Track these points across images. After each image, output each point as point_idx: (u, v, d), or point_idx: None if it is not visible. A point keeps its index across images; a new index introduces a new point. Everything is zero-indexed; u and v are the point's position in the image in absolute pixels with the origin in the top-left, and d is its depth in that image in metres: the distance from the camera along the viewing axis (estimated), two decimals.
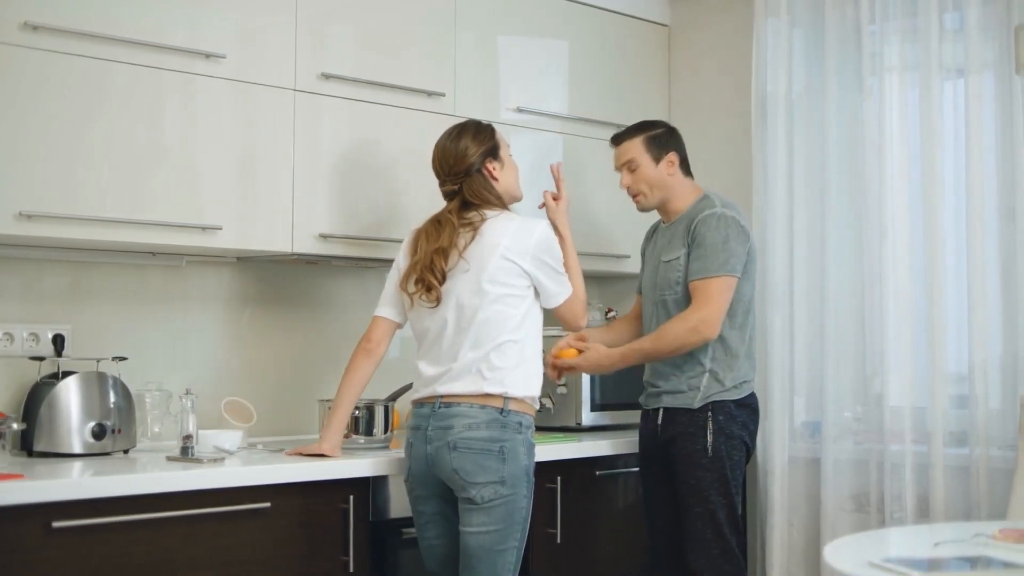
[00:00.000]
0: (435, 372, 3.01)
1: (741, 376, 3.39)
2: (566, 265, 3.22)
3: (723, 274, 3.31)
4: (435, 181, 3.72)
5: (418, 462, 2.99)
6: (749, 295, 3.42)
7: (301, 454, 3.10)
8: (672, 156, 3.47)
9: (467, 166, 3.08)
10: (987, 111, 3.51)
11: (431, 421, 2.97)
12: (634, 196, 3.50)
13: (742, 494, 3.51)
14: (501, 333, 2.98)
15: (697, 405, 3.34)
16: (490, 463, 2.94)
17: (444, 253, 3.01)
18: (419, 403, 3.04)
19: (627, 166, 3.49)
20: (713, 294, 3.30)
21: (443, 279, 3.01)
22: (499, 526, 2.94)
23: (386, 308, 3.17)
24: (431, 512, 3.03)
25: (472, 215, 3.05)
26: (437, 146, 3.15)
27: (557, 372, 3.45)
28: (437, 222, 3.08)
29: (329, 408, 3.21)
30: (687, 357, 3.36)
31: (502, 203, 3.11)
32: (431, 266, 3.01)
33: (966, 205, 3.53)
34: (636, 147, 3.47)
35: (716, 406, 3.34)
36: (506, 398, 2.97)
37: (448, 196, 3.12)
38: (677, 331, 3.31)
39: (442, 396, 2.98)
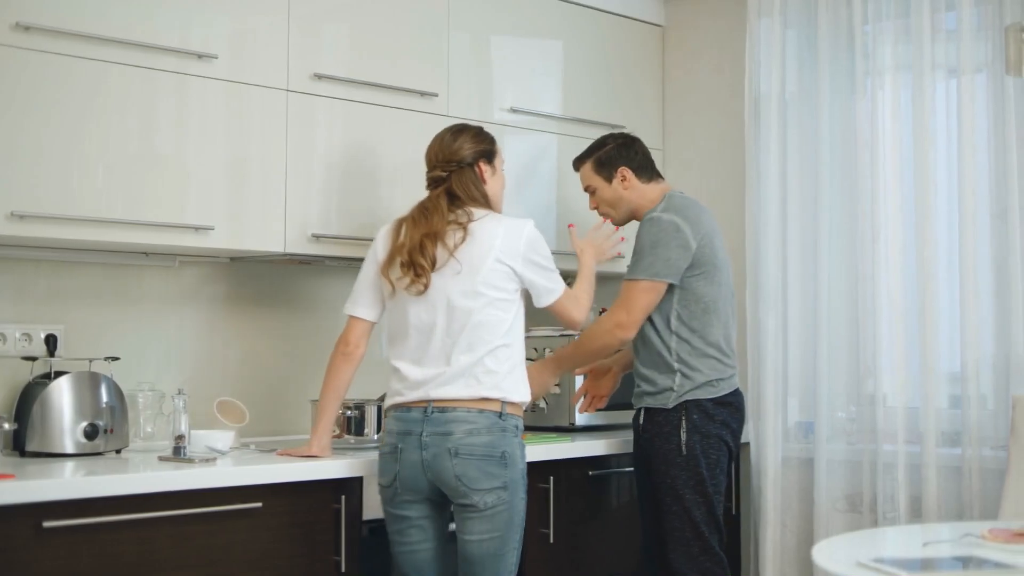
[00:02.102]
0: (424, 375, 2.95)
1: (715, 375, 3.38)
2: (580, 284, 3.25)
3: (644, 278, 3.33)
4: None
5: (410, 468, 2.93)
6: (711, 295, 3.38)
7: (292, 455, 3.10)
8: (623, 171, 3.50)
9: (460, 158, 3.06)
10: (979, 111, 3.52)
11: (425, 426, 2.91)
12: (603, 216, 3.58)
13: (728, 493, 3.52)
14: (495, 337, 2.96)
15: (672, 405, 3.36)
16: (492, 469, 2.91)
17: (435, 238, 2.97)
18: (405, 407, 2.97)
19: (588, 190, 3.58)
20: (632, 297, 3.34)
21: (433, 265, 2.97)
22: (501, 532, 2.92)
23: (362, 307, 3.10)
24: (416, 516, 2.97)
25: (459, 213, 3.02)
26: (436, 137, 3.13)
27: None
28: (423, 208, 3.03)
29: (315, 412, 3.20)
30: (657, 359, 3.39)
31: (487, 203, 3.08)
32: (421, 249, 2.96)
33: (958, 205, 3.53)
34: (588, 172, 3.56)
35: (691, 405, 3.35)
36: (504, 402, 2.95)
37: (433, 183, 3.08)
38: (596, 332, 3.40)
39: (434, 400, 2.93)
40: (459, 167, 3.06)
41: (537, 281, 3.07)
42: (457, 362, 2.94)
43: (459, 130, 3.12)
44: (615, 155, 3.52)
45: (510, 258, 3.00)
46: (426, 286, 2.95)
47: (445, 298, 2.96)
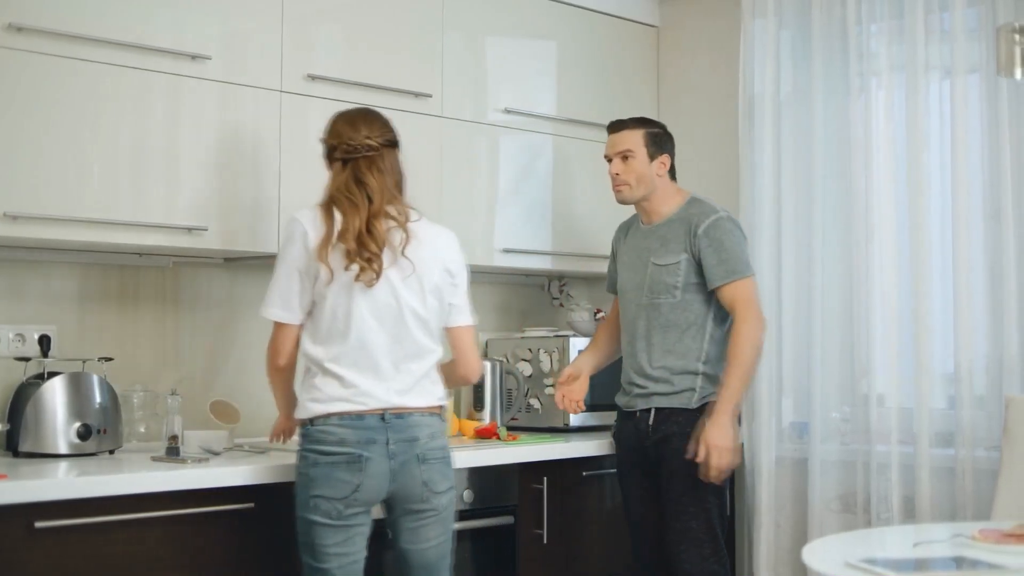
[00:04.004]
0: (375, 382, 2.79)
1: None
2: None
3: (749, 275, 3.36)
4: (422, 181, 3.71)
5: (377, 478, 2.77)
6: None
7: (275, 437, 3.10)
8: (665, 158, 3.48)
9: (393, 138, 2.91)
10: (973, 112, 3.52)
11: (389, 434, 2.78)
12: (619, 186, 3.48)
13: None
14: (436, 345, 2.90)
15: (695, 405, 3.33)
16: (446, 470, 2.89)
17: (379, 219, 2.79)
18: (355, 415, 2.77)
19: (622, 155, 3.47)
20: (752, 293, 3.35)
21: (381, 249, 2.78)
22: (448, 533, 2.91)
23: (292, 311, 2.82)
24: (362, 525, 2.81)
25: (396, 210, 2.84)
26: (359, 111, 2.95)
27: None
28: (357, 183, 2.82)
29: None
30: (678, 360, 3.36)
31: (402, 190, 2.91)
32: (370, 233, 2.76)
33: (952, 205, 3.53)
34: (636, 138, 3.46)
35: (712, 406, 3.32)
36: (442, 407, 2.93)
37: (359, 150, 2.85)
38: (748, 342, 3.30)
39: (391, 408, 2.80)
40: (391, 145, 2.91)
41: (460, 297, 2.97)
42: (409, 371, 2.84)
43: (378, 113, 2.95)
44: (666, 141, 3.52)
45: (451, 265, 2.93)
46: (378, 275, 2.77)
47: (395, 300, 2.82)
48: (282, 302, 2.83)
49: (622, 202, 3.53)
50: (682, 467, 3.31)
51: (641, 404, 3.42)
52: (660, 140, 3.49)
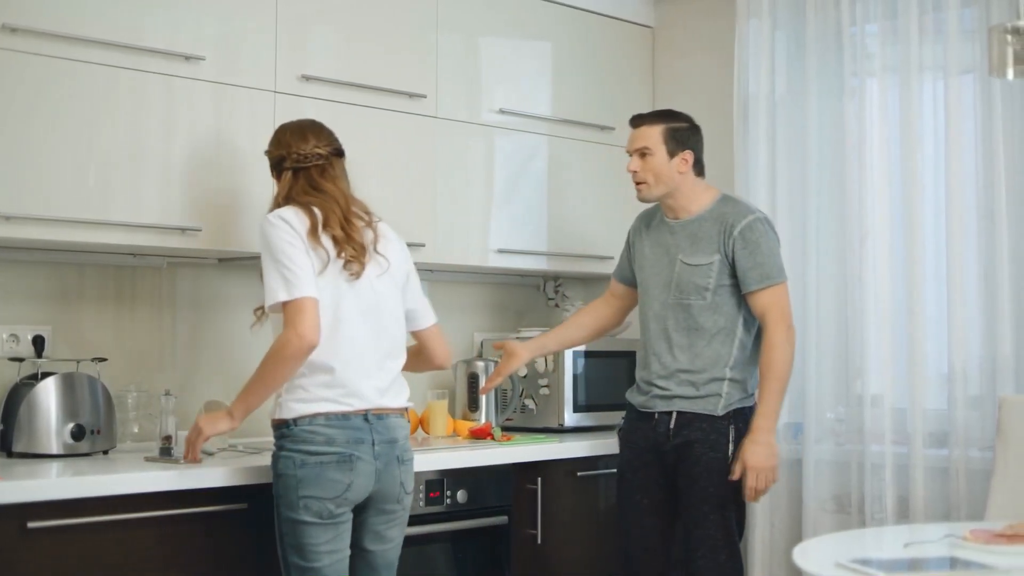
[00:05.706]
0: (360, 381, 2.80)
1: (755, 383, 3.35)
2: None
3: (783, 280, 3.30)
4: (417, 181, 3.71)
5: (365, 478, 2.79)
6: None
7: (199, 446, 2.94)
8: (687, 155, 3.33)
9: (341, 147, 2.95)
10: (967, 112, 3.53)
11: (374, 435, 2.81)
12: (637, 184, 3.36)
13: None
14: (404, 342, 2.94)
15: (721, 412, 3.26)
16: (413, 470, 2.93)
17: (351, 216, 2.84)
18: (342, 415, 2.78)
19: (639, 151, 3.34)
20: (785, 300, 3.29)
21: (362, 242, 2.84)
22: (404, 533, 2.95)
23: (306, 287, 2.73)
24: (347, 522, 2.82)
25: (357, 210, 2.88)
26: (307, 121, 2.99)
27: None
28: (315, 189, 2.84)
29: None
30: (707, 363, 3.28)
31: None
32: (350, 224, 2.82)
33: (946, 206, 3.54)
34: (654, 135, 3.33)
35: (737, 413, 3.28)
36: (408, 409, 2.96)
37: (310, 159, 2.88)
38: (784, 349, 3.24)
39: (373, 409, 2.82)
40: (339, 155, 2.95)
41: (421, 298, 3.03)
42: (388, 369, 2.87)
43: (324, 125, 3.00)
44: (689, 136, 3.36)
45: (409, 266, 2.99)
46: (364, 266, 2.82)
47: (375, 295, 2.86)
48: (294, 281, 2.73)
49: (643, 200, 3.41)
50: (703, 474, 3.25)
51: (661, 406, 3.32)
52: (682, 136, 3.34)
